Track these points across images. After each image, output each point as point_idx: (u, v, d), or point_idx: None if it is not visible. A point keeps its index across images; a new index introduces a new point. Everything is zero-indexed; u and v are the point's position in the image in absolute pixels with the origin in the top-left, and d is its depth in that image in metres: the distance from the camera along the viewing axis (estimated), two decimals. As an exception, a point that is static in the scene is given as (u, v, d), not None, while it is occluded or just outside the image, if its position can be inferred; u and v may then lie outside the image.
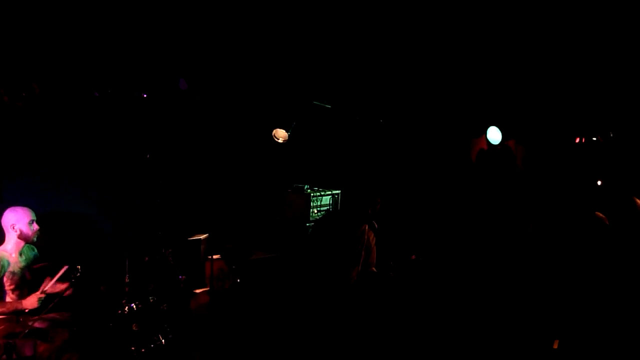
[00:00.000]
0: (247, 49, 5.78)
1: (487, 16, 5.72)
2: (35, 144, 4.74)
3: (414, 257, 4.89)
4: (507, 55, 6.09)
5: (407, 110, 6.60)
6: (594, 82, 6.00)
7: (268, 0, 5.46)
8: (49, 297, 3.96)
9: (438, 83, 6.47)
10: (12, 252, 4.12)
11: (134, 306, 4.05)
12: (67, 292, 4.12)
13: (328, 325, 4.40)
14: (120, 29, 4.94)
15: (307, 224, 5.96)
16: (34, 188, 4.76)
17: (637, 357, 4.06)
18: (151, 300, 4.19)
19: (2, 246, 4.15)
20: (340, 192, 6.38)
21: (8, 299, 4.02)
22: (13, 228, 4.12)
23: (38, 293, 3.96)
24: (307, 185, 6.20)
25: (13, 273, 4.06)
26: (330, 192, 6.26)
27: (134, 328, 4.01)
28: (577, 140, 6.37)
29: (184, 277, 4.64)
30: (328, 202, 6.23)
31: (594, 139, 6.29)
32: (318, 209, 6.07)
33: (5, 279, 4.02)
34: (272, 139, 5.59)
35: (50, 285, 4.07)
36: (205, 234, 5.48)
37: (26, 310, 3.92)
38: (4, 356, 3.44)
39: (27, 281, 4.15)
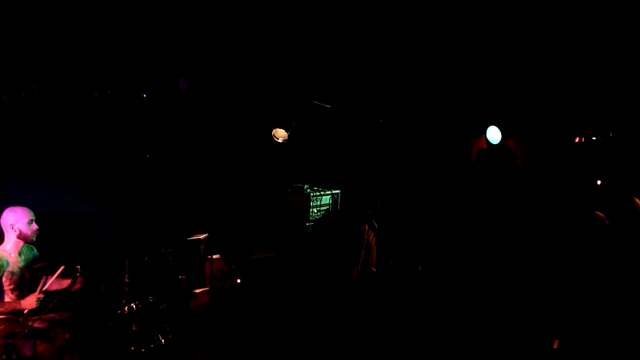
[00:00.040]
0: (247, 49, 5.78)
1: (487, 16, 5.72)
2: (34, 144, 4.74)
3: (420, 267, 4.88)
4: (507, 55, 6.09)
5: (407, 110, 6.60)
6: (593, 82, 6.00)
7: (268, 0, 5.45)
8: (48, 298, 3.95)
9: (438, 83, 6.47)
10: (11, 252, 4.12)
11: (134, 306, 4.05)
12: (76, 287, 4.15)
13: (328, 325, 4.40)
14: (119, 29, 4.94)
15: (307, 224, 5.96)
16: (34, 188, 4.75)
17: (637, 357, 4.06)
18: (151, 300, 4.19)
19: (2, 246, 4.15)
20: (340, 192, 6.38)
21: (7, 299, 4.02)
22: (12, 228, 4.11)
23: (37, 293, 3.95)
24: (307, 185, 6.20)
25: (12, 273, 4.05)
26: (330, 192, 6.26)
27: (134, 328, 4.01)
28: (577, 139, 6.37)
29: (183, 277, 4.63)
30: (328, 202, 6.22)
31: (594, 138, 6.29)
32: (318, 208, 6.07)
33: (4, 278, 4.02)
34: (271, 139, 5.58)
35: (48, 285, 4.07)
36: (204, 233, 5.48)
37: (25, 311, 3.92)
38: (4, 356, 3.44)
39: (26, 281, 4.14)
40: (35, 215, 4.24)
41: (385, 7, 5.65)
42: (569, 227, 4.99)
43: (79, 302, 4.10)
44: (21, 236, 4.14)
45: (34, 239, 4.22)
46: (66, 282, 4.10)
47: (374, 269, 4.63)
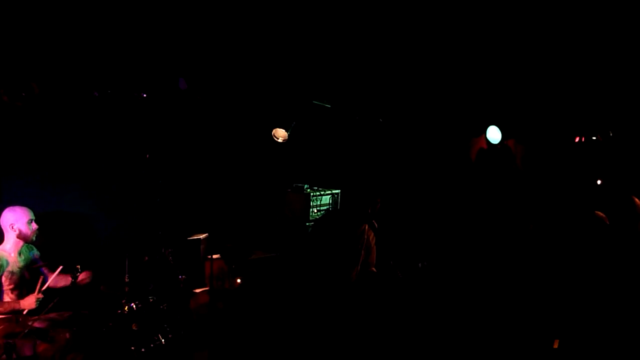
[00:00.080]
0: (247, 49, 5.78)
1: (487, 16, 5.72)
2: (34, 143, 4.74)
3: (420, 265, 4.88)
4: (506, 55, 6.09)
5: (406, 110, 6.60)
6: (593, 81, 6.00)
7: (268, 0, 5.45)
8: (47, 297, 3.96)
9: (438, 82, 6.47)
10: (11, 251, 4.12)
11: (134, 306, 4.05)
12: (85, 281, 4.16)
13: (327, 324, 4.40)
14: (119, 29, 4.94)
15: (307, 224, 5.96)
16: (34, 188, 4.75)
17: (637, 357, 4.06)
18: (151, 300, 4.19)
19: (1, 246, 4.15)
20: (340, 192, 6.38)
21: (7, 299, 4.02)
22: (12, 227, 4.12)
23: (36, 294, 3.95)
24: (307, 184, 6.19)
25: (12, 273, 4.06)
26: (330, 192, 6.25)
27: (134, 328, 4.01)
28: (577, 139, 6.37)
29: (183, 276, 4.63)
30: (328, 202, 6.22)
31: (594, 138, 6.29)
32: (318, 208, 6.07)
33: (4, 278, 4.02)
34: (271, 139, 5.58)
35: (49, 283, 4.06)
36: (204, 233, 5.48)
37: (24, 312, 3.92)
38: (4, 356, 3.44)
39: (26, 281, 4.14)
40: (35, 215, 4.24)
41: (385, 7, 5.65)
42: (569, 227, 4.99)
43: (79, 302, 4.10)
44: (21, 236, 4.14)
45: (34, 238, 4.22)
46: (69, 279, 4.11)
47: (374, 269, 4.63)
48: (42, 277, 4.10)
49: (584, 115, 6.23)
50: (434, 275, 5.13)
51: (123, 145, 5.17)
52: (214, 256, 5.07)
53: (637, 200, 4.59)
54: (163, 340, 4.11)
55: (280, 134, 5.56)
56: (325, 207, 6.17)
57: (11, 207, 4.18)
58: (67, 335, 3.78)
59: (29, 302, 3.91)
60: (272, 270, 5.47)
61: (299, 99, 5.84)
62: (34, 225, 4.20)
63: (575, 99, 6.17)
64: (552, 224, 5.42)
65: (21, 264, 4.14)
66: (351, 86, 6.34)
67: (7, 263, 4.05)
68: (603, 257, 4.49)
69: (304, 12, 5.62)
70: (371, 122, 6.20)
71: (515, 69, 6.19)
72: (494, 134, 6.50)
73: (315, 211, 6.03)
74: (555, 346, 4.39)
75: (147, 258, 4.61)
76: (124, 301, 4.04)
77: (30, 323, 3.70)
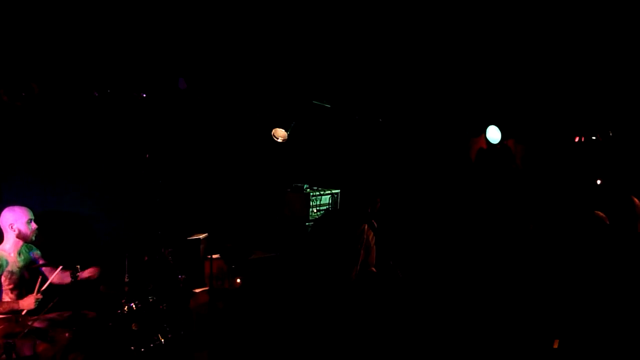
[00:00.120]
0: (247, 49, 5.78)
1: (487, 15, 5.72)
2: (34, 143, 4.74)
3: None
4: (506, 54, 6.09)
5: (406, 110, 6.60)
6: (593, 81, 6.00)
7: (268, 0, 5.46)
8: (47, 297, 3.95)
9: (437, 82, 6.47)
10: (10, 251, 4.12)
11: (134, 306, 4.05)
12: (93, 277, 4.18)
13: (327, 324, 4.40)
14: (119, 29, 4.94)
15: (307, 224, 5.95)
16: (34, 188, 4.75)
17: (637, 357, 4.06)
18: (151, 300, 4.19)
19: (1, 245, 4.15)
20: (340, 192, 6.37)
21: (6, 299, 4.02)
22: (11, 227, 4.12)
23: (35, 294, 3.95)
24: (307, 184, 6.19)
25: (11, 272, 4.05)
26: (329, 192, 6.25)
27: (134, 328, 4.01)
28: (577, 139, 6.37)
29: (183, 276, 4.63)
30: (327, 202, 6.22)
31: (594, 138, 6.29)
32: (317, 208, 6.07)
33: (3, 278, 4.02)
34: (271, 139, 5.58)
35: (52, 280, 4.06)
36: (204, 233, 5.48)
37: (23, 312, 3.92)
38: (4, 356, 3.44)
39: (25, 281, 4.14)
40: (35, 214, 4.24)
41: (384, 6, 5.64)
42: (569, 226, 4.99)
43: (78, 302, 4.10)
44: (20, 235, 4.14)
45: (33, 238, 4.22)
46: (62, 280, 4.12)
47: (373, 268, 4.63)
48: (41, 277, 4.09)
49: (583, 115, 6.23)
50: (433, 275, 5.13)
51: (123, 145, 5.17)
52: (214, 256, 5.07)
53: (636, 200, 4.59)
54: (163, 340, 4.11)
55: (280, 134, 5.55)
56: (324, 207, 6.17)
57: (10, 207, 4.18)
58: (67, 335, 3.78)
59: (28, 303, 3.91)
60: (272, 270, 5.47)
61: (299, 99, 5.84)
62: (33, 225, 4.19)
63: (575, 99, 6.16)
64: (552, 224, 5.42)
65: (21, 263, 4.14)
66: (351, 86, 6.34)
67: (7, 263, 4.05)
68: (603, 257, 4.49)
69: (304, 12, 5.62)
70: (371, 122, 6.20)
71: (515, 69, 6.19)
72: (493, 134, 6.50)
73: (315, 211, 6.03)
74: (555, 346, 4.39)
75: (147, 258, 4.61)
76: (123, 301, 4.04)
77: (30, 323, 3.70)
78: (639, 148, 6.04)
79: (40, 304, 3.90)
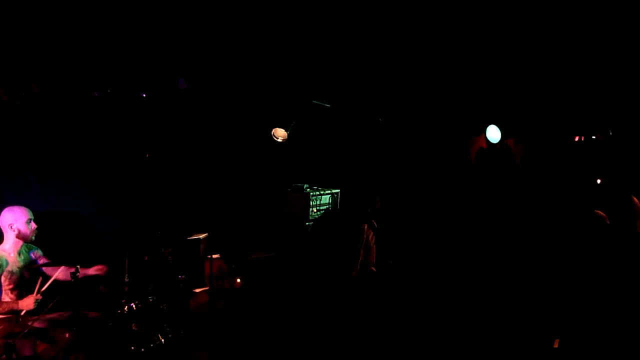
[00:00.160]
0: (246, 49, 5.78)
1: (487, 15, 5.72)
2: (34, 143, 4.74)
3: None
4: (506, 54, 6.08)
5: (406, 109, 6.59)
6: (593, 80, 5.99)
7: (267, 0, 5.45)
8: (46, 298, 3.95)
9: (437, 82, 6.47)
10: (10, 251, 4.12)
11: (134, 306, 4.05)
12: (102, 273, 4.22)
13: (327, 324, 4.40)
14: (119, 29, 4.94)
15: (307, 223, 5.96)
16: (34, 188, 4.76)
17: (637, 357, 4.06)
18: (151, 300, 4.20)
19: (1, 245, 4.16)
20: (340, 191, 6.37)
21: (6, 299, 4.02)
22: (11, 227, 4.12)
23: (34, 295, 3.95)
24: (307, 184, 6.19)
25: (11, 272, 4.06)
26: (329, 191, 6.25)
27: (134, 328, 4.01)
28: (577, 138, 6.37)
29: (183, 276, 4.63)
30: (327, 201, 6.22)
31: (594, 137, 6.28)
32: (317, 208, 6.07)
33: (3, 278, 4.03)
34: (271, 138, 5.58)
35: (56, 276, 4.06)
36: (204, 233, 5.48)
37: (22, 313, 3.92)
38: (4, 356, 3.44)
39: (25, 281, 4.14)
40: (35, 214, 4.24)
41: (384, 6, 5.64)
42: (569, 226, 4.99)
43: (78, 302, 4.10)
44: (20, 235, 4.14)
45: (33, 238, 4.22)
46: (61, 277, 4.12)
47: (373, 268, 4.63)
48: (41, 277, 4.10)
49: (583, 114, 6.23)
50: (433, 275, 5.13)
51: (123, 145, 5.17)
52: (214, 256, 5.07)
53: (636, 200, 4.59)
54: (163, 340, 4.11)
55: (280, 134, 5.55)
56: (324, 207, 6.17)
57: (10, 207, 4.18)
58: (67, 335, 3.78)
59: (28, 303, 3.91)
60: (272, 270, 5.47)
61: (299, 98, 5.83)
62: (33, 225, 4.20)
63: (575, 99, 6.16)
64: (552, 224, 5.41)
65: (20, 263, 4.14)
66: (351, 86, 6.34)
67: (7, 263, 4.05)
68: (603, 256, 4.49)
69: (304, 12, 5.62)
70: (371, 121, 6.20)
71: (514, 69, 6.18)
72: (493, 134, 6.49)
73: (315, 211, 6.03)
74: (555, 346, 4.39)
75: (146, 258, 4.62)
76: (124, 301, 4.04)
77: (30, 323, 3.70)
78: (639, 148, 6.04)
79: (40, 304, 3.90)
